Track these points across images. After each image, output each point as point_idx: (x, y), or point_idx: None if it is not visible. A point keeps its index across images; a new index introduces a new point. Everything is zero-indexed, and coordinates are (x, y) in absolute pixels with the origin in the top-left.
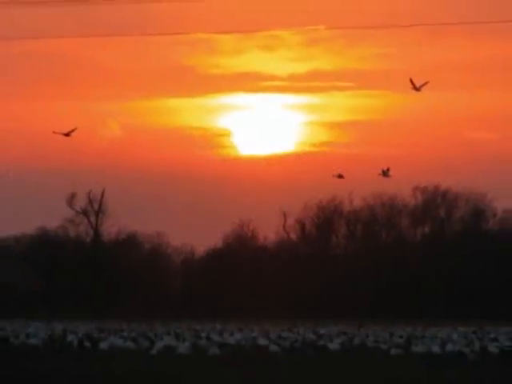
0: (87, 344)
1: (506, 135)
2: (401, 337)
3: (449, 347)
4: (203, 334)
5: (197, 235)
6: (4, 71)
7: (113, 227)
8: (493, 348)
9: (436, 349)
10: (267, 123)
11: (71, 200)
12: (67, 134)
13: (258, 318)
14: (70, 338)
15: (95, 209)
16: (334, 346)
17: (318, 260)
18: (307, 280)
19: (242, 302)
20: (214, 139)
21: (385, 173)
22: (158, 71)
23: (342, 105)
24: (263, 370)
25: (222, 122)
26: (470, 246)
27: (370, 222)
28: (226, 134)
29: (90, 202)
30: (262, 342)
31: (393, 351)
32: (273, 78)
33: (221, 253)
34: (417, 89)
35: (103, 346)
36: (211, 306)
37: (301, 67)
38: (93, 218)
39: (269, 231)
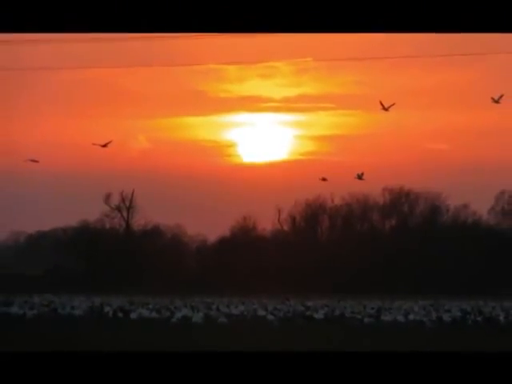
0: (120, 314)
1: (456, 146)
2: (372, 308)
3: (411, 317)
4: (213, 306)
5: (209, 226)
6: (54, 95)
7: (141, 220)
8: (446, 318)
9: (401, 318)
10: (265, 137)
11: (107, 198)
12: (104, 146)
13: (257, 293)
14: (106, 309)
15: (127, 205)
16: (318, 315)
17: (306, 247)
18: (297, 262)
19: (245, 280)
20: (222, 149)
21: (360, 176)
22: (178, 95)
23: (326, 122)
24: (262, 335)
25: (229, 135)
26: (429, 236)
27: (347, 216)
28: (232, 145)
29: (123, 200)
30: (261, 312)
31: (366, 320)
32: (269, 100)
33: (228, 241)
34: (385, 109)
35: (133, 316)
36: (220, 283)
37: (292, 91)
38: (125, 213)
39: (266, 224)
